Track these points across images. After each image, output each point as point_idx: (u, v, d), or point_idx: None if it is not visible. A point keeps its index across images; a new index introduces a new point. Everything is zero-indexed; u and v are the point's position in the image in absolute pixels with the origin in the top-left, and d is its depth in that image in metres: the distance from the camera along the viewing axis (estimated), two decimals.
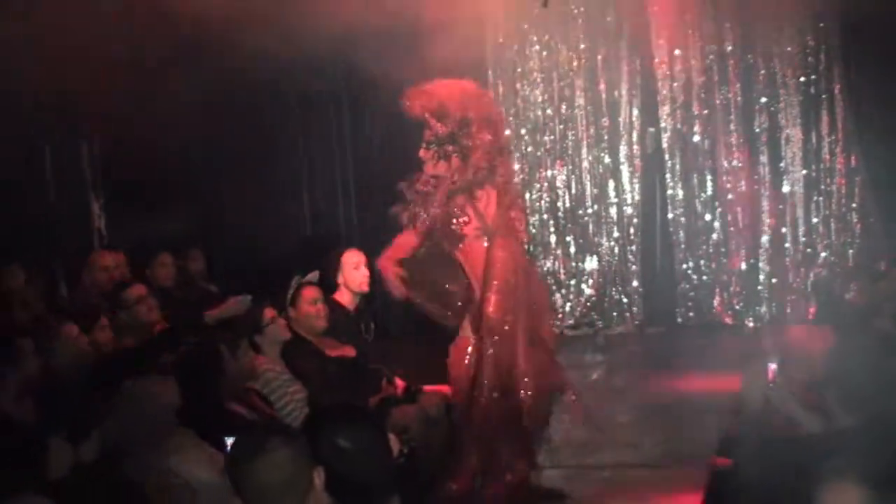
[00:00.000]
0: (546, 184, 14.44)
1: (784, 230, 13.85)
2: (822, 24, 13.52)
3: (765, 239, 13.90)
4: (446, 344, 7.92)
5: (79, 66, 10.95)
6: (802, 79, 13.65)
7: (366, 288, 8.68)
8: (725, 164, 13.94)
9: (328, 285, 8.74)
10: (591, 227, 14.40)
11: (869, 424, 5.14)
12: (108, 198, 13.04)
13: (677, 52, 13.89)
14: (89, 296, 9.86)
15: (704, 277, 14.10)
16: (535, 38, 14.23)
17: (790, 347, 6.52)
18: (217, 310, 8.52)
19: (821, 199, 13.76)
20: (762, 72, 13.75)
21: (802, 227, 13.81)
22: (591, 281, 14.40)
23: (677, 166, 14.08)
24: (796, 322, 13.29)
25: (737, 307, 13.98)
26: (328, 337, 8.53)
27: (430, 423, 8.11)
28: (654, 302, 14.34)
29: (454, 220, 7.57)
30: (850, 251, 13.65)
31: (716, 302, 14.05)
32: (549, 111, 14.34)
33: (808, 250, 13.79)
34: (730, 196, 13.95)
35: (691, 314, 14.15)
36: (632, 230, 14.31)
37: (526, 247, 8.98)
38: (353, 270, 8.94)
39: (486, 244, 7.62)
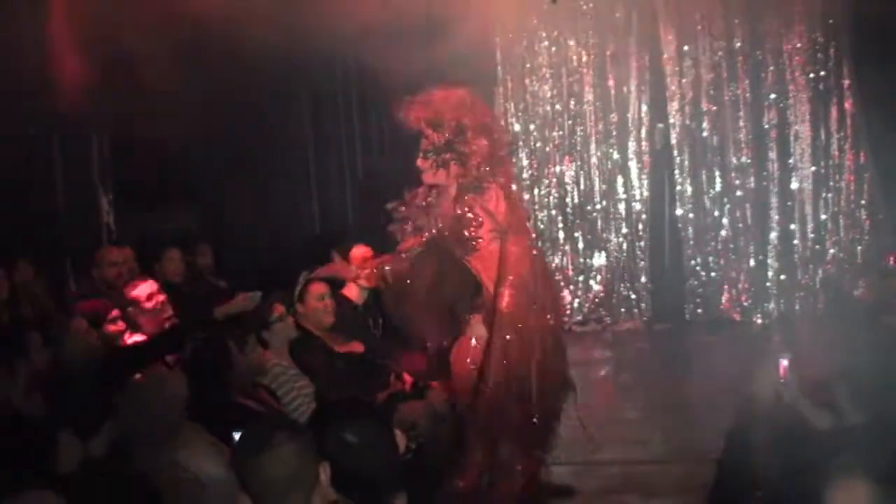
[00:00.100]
0: (554, 179, 14.44)
1: (793, 227, 13.83)
2: (830, 21, 13.51)
3: (773, 235, 13.88)
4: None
5: (87, 63, 10.98)
6: (811, 75, 13.63)
7: (373, 283, 8.68)
8: (734, 160, 13.92)
9: (336, 281, 8.75)
10: (599, 223, 14.39)
11: (878, 421, 5.13)
12: (117, 193, 13.04)
13: (686, 48, 13.88)
14: (97, 291, 9.88)
15: (713, 274, 14.09)
16: (543, 34, 14.23)
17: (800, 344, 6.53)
18: (226, 305, 8.51)
19: (829, 195, 13.74)
20: (771, 68, 13.74)
21: (811, 223, 13.79)
22: (599, 277, 14.40)
23: (686, 162, 14.07)
24: (805, 319, 13.34)
25: (745, 304, 13.97)
26: (336, 332, 8.53)
27: (438, 419, 8.09)
28: (662, 298, 14.33)
29: (466, 225, 7.56)
30: (859, 248, 13.63)
31: (724, 298, 14.04)
32: (557, 107, 14.34)
33: (817, 247, 13.77)
34: (738, 192, 13.93)
35: (699, 311, 14.14)
36: (640, 226, 14.30)
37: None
38: (360, 265, 8.95)
39: (499, 241, 7.63)
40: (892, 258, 11.37)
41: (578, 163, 14.38)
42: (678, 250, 14.25)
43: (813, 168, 13.72)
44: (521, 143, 14.37)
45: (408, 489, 4.09)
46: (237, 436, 4.15)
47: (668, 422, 9.79)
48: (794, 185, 13.80)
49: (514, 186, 13.38)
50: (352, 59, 13.87)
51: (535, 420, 7.69)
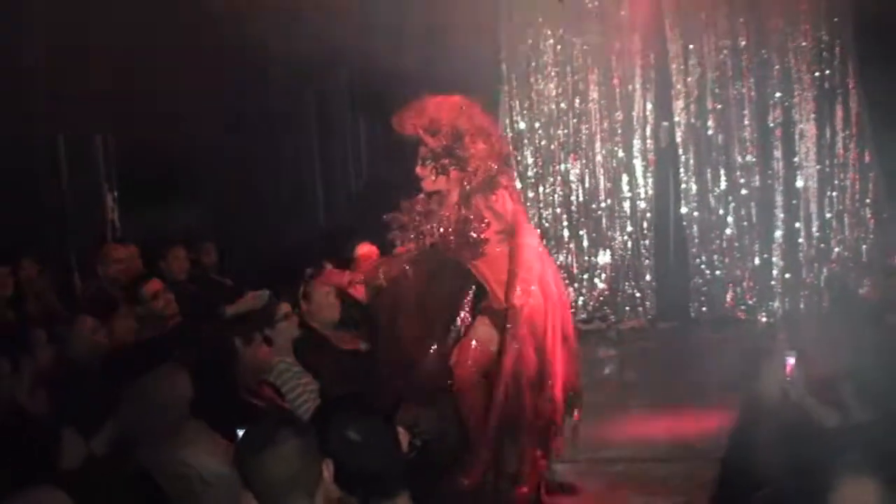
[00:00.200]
0: (559, 178, 14.42)
1: (797, 225, 13.82)
2: (836, 20, 13.50)
3: (778, 234, 13.87)
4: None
5: (94, 60, 10.98)
6: (816, 74, 13.62)
7: (367, 286, 8.69)
8: (739, 158, 13.91)
9: None
10: (604, 221, 14.38)
11: (884, 419, 5.13)
12: (122, 191, 13.05)
13: (691, 46, 13.87)
14: (102, 288, 9.90)
15: (717, 272, 14.08)
16: (549, 32, 14.21)
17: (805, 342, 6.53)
18: (235, 304, 8.52)
19: (834, 194, 13.73)
20: (776, 67, 13.73)
21: (816, 222, 13.77)
22: (603, 275, 14.39)
23: (691, 161, 14.06)
24: (809, 317, 13.33)
25: (750, 302, 13.96)
26: (341, 330, 8.54)
27: (442, 417, 8.10)
28: (666, 297, 14.32)
29: (473, 227, 7.56)
30: (864, 247, 13.62)
31: (729, 297, 14.03)
32: (563, 105, 14.33)
33: (822, 245, 13.76)
34: (743, 191, 13.92)
35: (704, 309, 14.13)
36: (645, 224, 14.29)
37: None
38: (365, 262, 8.97)
39: (507, 243, 7.64)
40: None
41: (583, 161, 14.36)
42: (683, 249, 14.24)
43: (818, 166, 13.71)
44: (525, 142, 14.37)
45: (411, 487, 4.08)
46: (241, 433, 4.15)
47: (672, 419, 9.79)
48: (799, 184, 13.79)
49: (519, 184, 13.61)
50: (357, 56, 13.85)
51: (554, 419, 7.76)
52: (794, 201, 13.82)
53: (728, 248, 14.05)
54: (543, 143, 14.41)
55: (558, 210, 14.45)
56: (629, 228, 14.32)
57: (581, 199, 14.41)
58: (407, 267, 7.87)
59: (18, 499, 4.17)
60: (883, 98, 12.97)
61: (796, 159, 13.79)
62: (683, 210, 14.14)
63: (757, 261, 13.96)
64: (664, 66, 13.99)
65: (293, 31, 10.67)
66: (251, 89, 13.36)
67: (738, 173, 13.94)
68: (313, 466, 3.88)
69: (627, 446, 8.90)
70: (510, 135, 14.21)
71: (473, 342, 7.80)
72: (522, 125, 14.35)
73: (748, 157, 13.90)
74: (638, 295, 14.33)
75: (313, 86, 14.67)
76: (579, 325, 13.68)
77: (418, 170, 7.68)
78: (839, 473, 3.95)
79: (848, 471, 3.94)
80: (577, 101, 14.30)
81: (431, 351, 7.95)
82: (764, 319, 13.81)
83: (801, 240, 13.83)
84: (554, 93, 14.33)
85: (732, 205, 14.00)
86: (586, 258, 14.44)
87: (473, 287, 7.92)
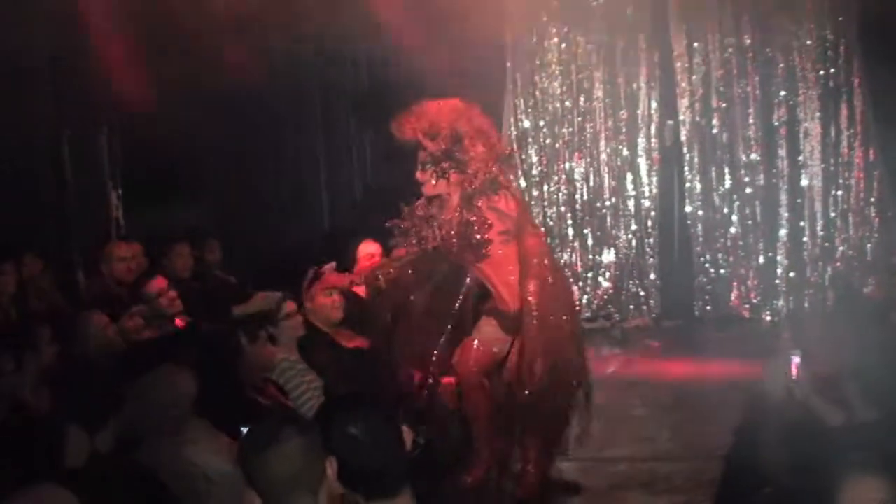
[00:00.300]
0: (564, 176, 14.39)
1: (802, 224, 13.81)
2: (840, 18, 13.49)
3: (783, 233, 13.86)
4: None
5: (98, 57, 10.99)
6: (821, 72, 13.60)
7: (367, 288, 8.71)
8: (744, 157, 13.90)
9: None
10: (608, 219, 14.36)
11: (889, 418, 5.12)
12: (126, 188, 13.05)
13: (696, 45, 13.86)
14: (107, 285, 9.90)
15: (722, 271, 14.07)
16: (553, 30, 14.18)
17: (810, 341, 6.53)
18: (245, 305, 8.51)
19: (839, 193, 13.72)
20: (781, 65, 13.71)
21: (820, 221, 13.76)
22: (608, 274, 14.37)
23: (695, 159, 14.04)
24: (814, 316, 13.33)
25: (754, 301, 13.95)
26: (344, 328, 8.54)
27: (446, 415, 8.11)
28: (671, 295, 14.31)
29: (475, 230, 7.57)
30: (869, 245, 13.61)
31: (733, 295, 14.02)
32: (567, 103, 14.30)
33: (826, 244, 13.75)
34: (748, 189, 13.91)
35: (708, 307, 14.12)
36: (649, 223, 14.27)
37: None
38: (368, 261, 8.99)
39: (515, 241, 7.65)
40: None
41: (588, 159, 14.34)
42: (687, 247, 14.22)
43: (822, 165, 13.70)
44: (530, 140, 14.36)
45: (414, 485, 4.08)
46: (245, 431, 4.15)
47: (677, 418, 9.80)
48: (804, 183, 13.78)
49: (523, 183, 13.61)
50: (362, 54, 13.86)
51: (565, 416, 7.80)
52: (799, 200, 13.80)
53: (732, 246, 14.03)
54: (548, 141, 14.38)
55: (563, 208, 14.42)
56: (634, 227, 14.30)
57: (585, 197, 14.39)
58: (407, 270, 7.89)
59: (23, 496, 4.17)
60: (888, 97, 12.95)
61: (801, 158, 13.78)
62: (688, 209, 14.13)
63: (761, 259, 13.94)
64: (669, 64, 13.98)
65: (298, 31, 10.67)
66: (255, 89, 13.35)
67: (743, 172, 13.93)
68: (317, 464, 3.88)
69: (631, 445, 8.89)
70: (514, 133, 14.21)
71: (476, 342, 7.82)
72: (527, 123, 14.33)
73: (753, 156, 13.88)
74: (642, 293, 14.31)
75: (317, 85, 14.66)
76: (584, 324, 13.75)
77: (418, 175, 7.69)
78: (844, 472, 3.94)
79: (853, 470, 3.93)
80: (582, 99, 14.27)
81: (432, 352, 7.99)
82: (768, 318, 13.80)
83: (805, 238, 13.81)
84: (558, 91, 14.30)
85: (737, 203, 13.99)
86: (591, 257, 14.42)
87: (475, 289, 7.95)
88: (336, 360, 8.12)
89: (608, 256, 14.38)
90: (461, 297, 8.03)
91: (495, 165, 7.64)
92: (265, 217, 14.22)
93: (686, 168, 14.08)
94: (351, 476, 3.93)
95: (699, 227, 14.11)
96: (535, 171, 14.38)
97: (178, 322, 9.16)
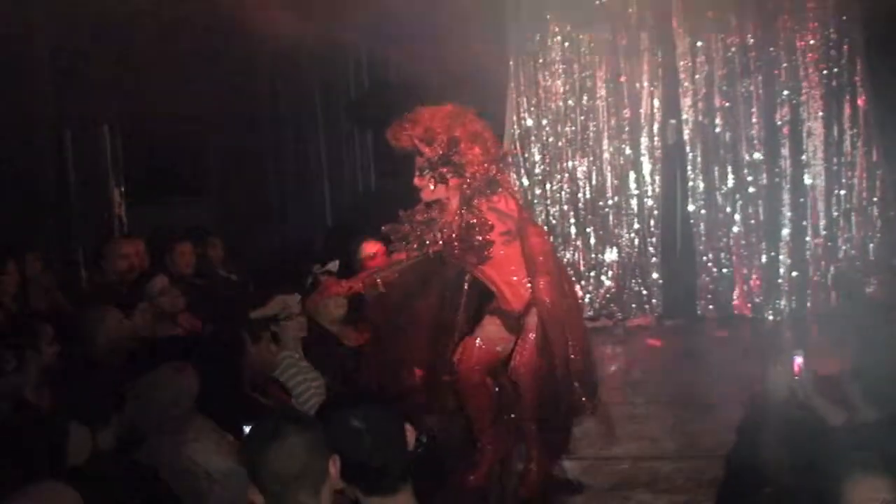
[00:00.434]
0: (567, 175, 14.37)
1: (805, 223, 13.80)
2: (844, 17, 13.47)
3: (785, 232, 13.85)
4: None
5: (102, 55, 10.99)
6: (824, 72, 13.58)
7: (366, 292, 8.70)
8: (746, 156, 13.89)
9: (345, 274, 8.77)
10: (611, 218, 14.33)
11: (891, 417, 5.12)
12: (129, 186, 13.06)
13: (699, 44, 13.84)
14: (109, 283, 9.91)
15: (724, 270, 14.05)
16: (556, 29, 14.17)
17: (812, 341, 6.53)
18: (263, 308, 8.49)
19: (842, 192, 13.70)
20: (784, 64, 13.69)
21: (823, 220, 13.74)
22: (610, 272, 14.35)
23: (698, 158, 14.02)
24: (816, 316, 13.33)
25: (757, 300, 13.94)
26: (348, 325, 8.55)
27: (449, 413, 8.12)
28: (673, 294, 14.29)
29: (476, 231, 7.57)
30: (871, 245, 13.59)
31: (735, 295, 14.00)
32: (570, 102, 14.28)
33: (829, 244, 13.73)
34: (751, 189, 13.90)
35: (711, 307, 14.10)
36: (652, 222, 14.25)
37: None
38: (371, 259, 9.00)
39: (517, 241, 7.65)
40: None
41: (591, 158, 14.31)
42: (690, 246, 14.21)
43: (825, 165, 13.67)
44: (533, 139, 14.34)
45: (416, 483, 4.08)
46: (247, 429, 4.16)
47: (679, 417, 9.79)
48: (807, 182, 13.76)
49: (526, 181, 13.60)
50: (364, 52, 13.86)
51: (592, 410, 7.82)
52: (802, 199, 13.79)
53: (735, 245, 14.02)
54: (551, 140, 14.36)
55: (565, 207, 14.40)
56: (636, 226, 14.28)
57: (588, 196, 14.36)
58: (407, 273, 7.89)
59: (26, 494, 4.17)
60: (891, 96, 12.96)
61: (804, 157, 13.75)
62: (691, 208, 14.11)
63: (764, 259, 13.93)
64: (672, 63, 13.96)
65: (302, 30, 10.68)
66: (258, 84, 13.37)
67: (746, 171, 13.91)
68: (319, 462, 3.88)
69: (633, 444, 8.89)
70: (517, 131, 14.21)
71: (478, 340, 7.83)
72: (530, 122, 14.31)
73: (756, 155, 13.87)
74: (645, 292, 14.30)
75: (318, 83, 14.67)
76: (586, 323, 13.76)
77: (416, 181, 7.68)
78: (846, 472, 3.94)
79: (855, 470, 3.93)
80: (585, 98, 14.25)
81: (434, 351, 8.01)
82: (771, 317, 13.79)
83: (808, 238, 13.79)
84: (561, 90, 14.28)
85: (740, 203, 13.97)
86: (593, 255, 14.40)
87: (475, 290, 7.96)
88: (339, 359, 8.13)
89: (611, 255, 14.37)
90: (463, 299, 8.04)
91: (493, 166, 7.64)
92: (267, 215, 14.24)
93: (689, 167, 14.06)
94: (351, 471, 3.93)
95: (702, 226, 14.10)
96: (537, 170, 14.36)
97: (182, 319, 9.19)
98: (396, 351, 8.17)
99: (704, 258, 14.10)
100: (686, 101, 13.94)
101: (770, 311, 13.82)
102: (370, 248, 9.74)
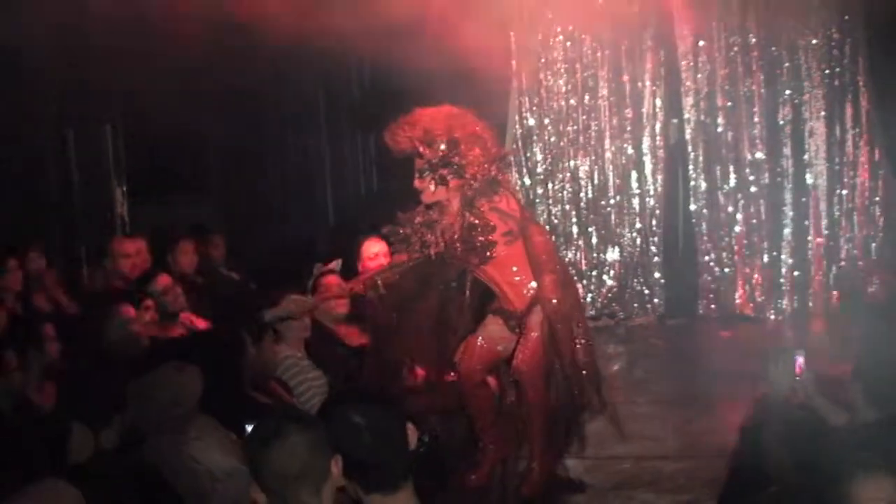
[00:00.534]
0: (569, 174, 14.38)
1: (807, 223, 13.80)
2: (846, 17, 13.47)
3: (787, 232, 13.85)
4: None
5: (104, 53, 11.00)
6: (826, 71, 13.59)
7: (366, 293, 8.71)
8: (748, 156, 13.88)
9: (348, 272, 8.78)
10: (613, 217, 14.34)
11: (892, 417, 5.12)
12: (131, 185, 13.08)
13: (701, 43, 13.84)
14: (112, 281, 9.92)
15: (726, 269, 14.06)
16: (558, 28, 14.17)
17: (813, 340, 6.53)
18: (276, 308, 8.49)
19: (844, 192, 13.71)
20: (786, 64, 13.69)
21: (825, 220, 13.74)
22: (612, 272, 14.36)
23: (700, 158, 14.03)
24: (818, 315, 13.33)
25: (758, 300, 13.94)
26: (350, 324, 8.55)
27: (451, 413, 8.12)
28: (675, 293, 14.30)
29: (479, 231, 7.56)
30: (873, 245, 13.61)
31: (737, 294, 14.01)
32: (572, 101, 14.28)
33: (831, 244, 13.74)
34: (753, 188, 13.90)
35: (713, 306, 14.11)
36: (654, 221, 14.26)
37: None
38: (373, 259, 9.00)
39: (519, 241, 7.65)
40: None
41: (592, 157, 14.32)
42: (692, 246, 14.22)
43: (827, 164, 13.68)
44: (535, 138, 14.35)
45: (417, 482, 4.08)
46: (250, 428, 4.16)
47: (681, 417, 9.79)
48: (809, 182, 13.76)
49: (528, 181, 13.60)
50: (367, 51, 13.85)
51: (601, 408, 7.82)
52: (804, 199, 13.79)
53: (737, 245, 14.02)
54: (553, 139, 14.36)
55: (567, 206, 14.41)
56: (638, 225, 14.29)
57: (590, 195, 14.37)
58: (408, 275, 7.89)
59: (28, 493, 4.18)
60: (893, 96, 12.95)
61: (806, 157, 13.76)
62: (692, 207, 14.12)
63: (766, 258, 13.93)
64: (674, 62, 13.97)
65: (304, 30, 10.67)
66: (260, 86, 13.37)
67: (748, 171, 13.91)
68: (321, 461, 3.88)
69: (635, 443, 8.89)
70: (519, 131, 14.22)
71: (480, 339, 7.83)
72: (532, 121, 14.31)
73: (758, 155, 13.87)
74: (647, 292, 14.31)
75: (321, 82, 14.68)
76: (588, 322, 13.75)
77: (416, 183, 7.66)
78: (848, 472, 3.94)
79: (857, 470, 3.93)
80: (587, 97, 14.26)
81: (435, 350, 8.01)
82: (773, 317, 13.79)
83: (810, 237, 13.80)
84: (563, 89, 14.29)
85: (742, 202, 13.97)
86: (595, 255, 14.41)
87: (476, 290, 7.97)
88: (341, 358, 8.14)
89: (612, 255, 14.38)
90: (465, 299, 8.04)
91: (493, 167, 7.64)
92: (269, 214, 14.24)
93: (691, 166, 14.07)
94: (352, 468, 3.93)
95: (704, 225, 14.10)
96: (539, 169, 14.37)
97: (184, 318, 9.20)
98: (397, 351, 8.17)
99: (706, 258, 14.11)
100: (688, 101, 13.95)
101: (772, 311, 13.83)
102: (373, 247, 9.73)
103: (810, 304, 13.72)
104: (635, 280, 14.33)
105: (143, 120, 11.94)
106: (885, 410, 5.17)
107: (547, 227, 13.11)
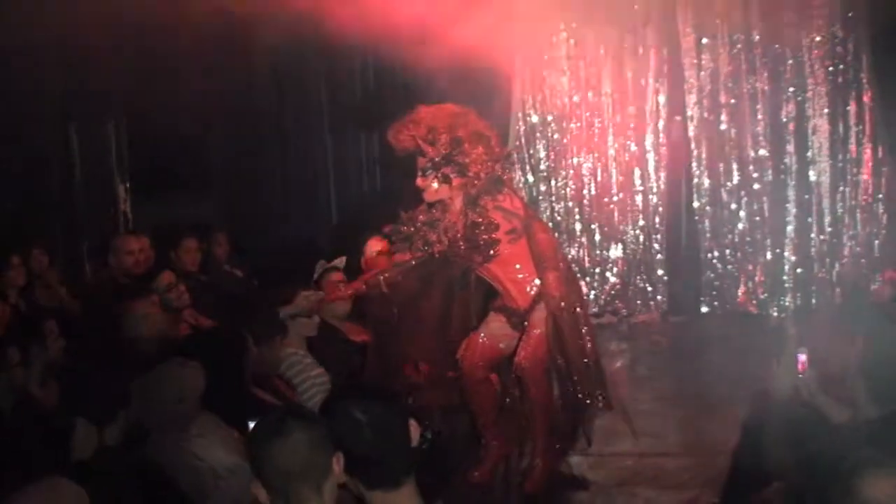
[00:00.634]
0: (572, 171, 14.37)
1: (810, 220, 13.79)
2: (850, 14, 13.45)
3: (790, 229, 13.84)
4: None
5: (106, 51, 10.99)
6: (830, 69, 13.57)
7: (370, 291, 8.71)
8: (752, 153, 13.87)
9: (351, 270, 8.79)
10: (616, 215, 14.33)
11: (894, 415, 5.11)
12: (134, 182, 13.08)
13: (705, 40, 13.83)
14: (115, 278, 9.92)
15: (729, 267, 14.05)
16: (562, 26, 14.16)
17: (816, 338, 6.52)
18: (289, 306, 8.48)
19: (847, 189, 13.69)
20: (790, 61, 13.68)
21: (828, 217, 13.74)
22: (615, 269, 14.36)
23: (703, 155, 14.02)
24: (821, 313, 13.32)
25: (761, 297, 13.93)
26: (353, 321, 8.56)
27: (454, 410, 8.12)
28: (678, 291, 14.30)
29: (482, 230, 7.57)
30: (876, 242, 13.60)
31: (740, 291, 14.01)
32: (575, 98, 14.26)
33: (834, 241, 13.73)
34: (756, 185, 13.89)
35: (716, 303, 14.11)
36: (657, 219, 14.25)
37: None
38: (376, 257, 9.01)
39: (522, 239, 7.65)
40: None
41: (596, 155, 14.31)
42: (695, 243, 14.21)
43: (831, 162, 13.66)
44: (538, 135, 14.34)
45: (419, 478, 4.08)
46: (252, 425, 4.16)
47: (683, 414, 9.81)
48: (812, 179, 13.75)
49: (531, 178, 13.61)
50: (370, 49, 13.84)
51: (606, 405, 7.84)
52: (807, 196, 13.78)
53: (740, 242, 14.02)
54: (556, 136, 14.36)
55: (570, 204, 14.40)
56: (641, 222, 14.28)
57: (593, 192, 14.36)
58: (410, 274, 7.90)
59: (31, 490, 4.18)
60: None
61: (809, 154, 13.75)
62: (696, 204, 14.11)
63: (769, 255, 13.92)
64: (677, 60, 13.95)
65: (307, 21, 10.66)
66: (264, 84, 13.38)
67: (751, 168, 13.90)
68: (322, 458, 3.87)
69: (638, 440, 8.89)
70: (522, 128, 14.21)
71: (482, 336, 7.85)
72: (535, 118, 14.31)
73: (761, 152, 13.86)
74: (650, 289, 14.30)
75: (324, 81, 14.66)
76: (591, 319, 13.75)
77: (419, 181, 7.67)
78: (858, 470, 3.93)
79: (859, 467, 3.92)
80: (590, 94, 14.26)
81: (438, 347, 8.02)
82: (775, 314, 13.78)
83: (813, 235, 13.79)
84: (566, 86, 14.29)
85: (745, 199, 13.97)
86: (598, 252, 14.40)
87: (479, 288, 7.98)
88: (344, 355, 8.14)
89: (616, 252, 14.37)
90: (468, 297, 8.05)
91: (496, 165, 7.64)
92: (273, 211, 14.24)
93: (694, 164, 14.06)
94: (353, 464, 3.93)
95: (706, 222, 14.10)
96: (542, 167, 14.36)
97: (187, 315, 9.20)
98: (399, 349, 8.18)
99: (709, 255, 14.10)
100: (691, 98, 13.94)
101: (775, 308, 13.82)
102: (376, 245, 9.74)
103: (813, 301, 13.71)
104: (638, 277, 14.33)
105: (146, 118, 11.93)
106: (887, 407, 5.16)
107: (550, 224, 13.10)
